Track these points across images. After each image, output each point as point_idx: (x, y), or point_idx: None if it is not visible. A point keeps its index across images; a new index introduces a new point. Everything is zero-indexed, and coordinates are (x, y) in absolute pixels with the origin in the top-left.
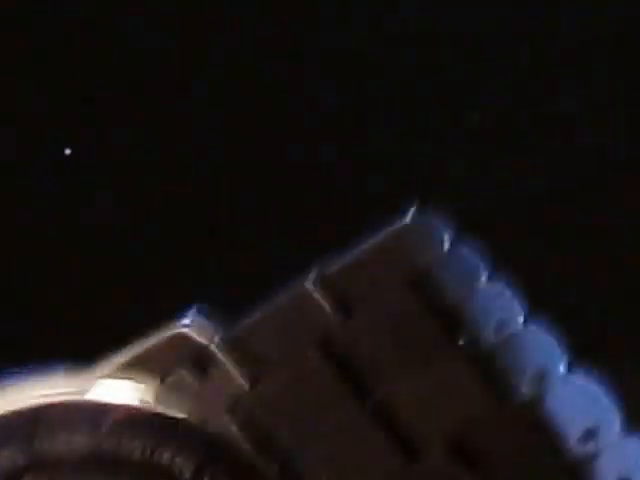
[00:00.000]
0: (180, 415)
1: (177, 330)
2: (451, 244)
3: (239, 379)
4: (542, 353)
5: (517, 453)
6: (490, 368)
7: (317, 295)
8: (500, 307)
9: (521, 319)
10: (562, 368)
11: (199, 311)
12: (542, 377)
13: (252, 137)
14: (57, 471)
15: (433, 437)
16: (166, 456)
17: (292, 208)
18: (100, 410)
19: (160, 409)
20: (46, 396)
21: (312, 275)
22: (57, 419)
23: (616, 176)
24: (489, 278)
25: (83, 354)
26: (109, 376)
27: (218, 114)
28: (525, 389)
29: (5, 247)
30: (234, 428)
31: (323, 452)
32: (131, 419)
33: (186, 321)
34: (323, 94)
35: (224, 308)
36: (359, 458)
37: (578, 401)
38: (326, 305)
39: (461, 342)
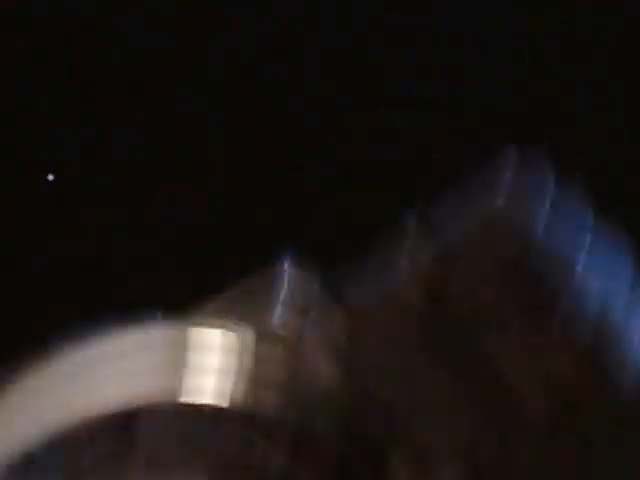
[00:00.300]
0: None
1: (277, 274)
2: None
3: (338, 327)
4: None
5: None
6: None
7: (417, 249)
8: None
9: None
10: None
11: (295, 259)
12: None
13: None
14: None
15: (534, 391)
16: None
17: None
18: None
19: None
20: (136, 398)
21: (415, 222)
22: (146, 429)
23: None
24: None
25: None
26: (204, 323)
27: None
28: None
29: None
30: (337, 379)
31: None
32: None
33: (285, 265)
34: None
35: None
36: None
37: None
38: (428, 259)
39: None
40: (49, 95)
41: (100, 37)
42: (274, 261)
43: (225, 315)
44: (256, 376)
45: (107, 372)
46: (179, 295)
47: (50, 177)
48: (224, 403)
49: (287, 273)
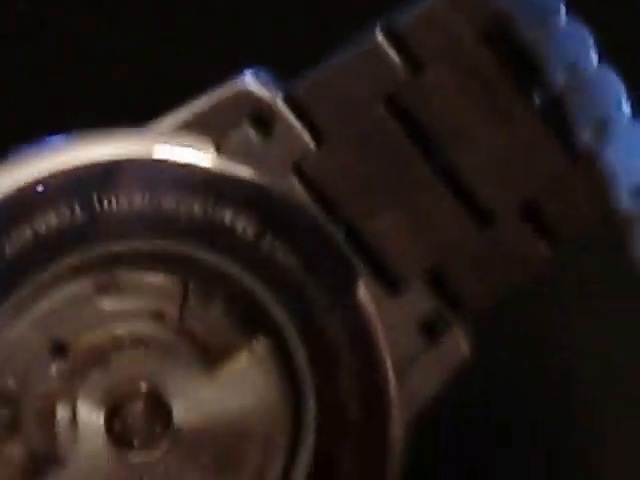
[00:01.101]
0: (243, 174)
1: (238, 86)
2: None
3: (305, 138)
4: (609, 100)
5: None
6: (561, 120)
7: (386, 48)
8: (574, 49)
9: (594, 61)
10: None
11: (258, 70)
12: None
13: None
14: (117, 232)
15: (507, 202)
16: (228, 216)
17: None
18: (159, 169)
19: (222, 169)
20: (104, 155)
21: (380, 26)
22: (117, 179)
23: None
24: (564, 18)
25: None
26: (166, 137)
27: None
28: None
29: None
30: (300, 189)
31: (391, 216)
32: (191, 178)
33: (247, 78)
34: None
35: (282, 69)
36: (431, 222)
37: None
38: (396, 58)
39: (536, 99)
40: None
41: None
42: (238, 72)
43: (188, 130)
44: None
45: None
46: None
47: None
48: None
49: (251, 84)
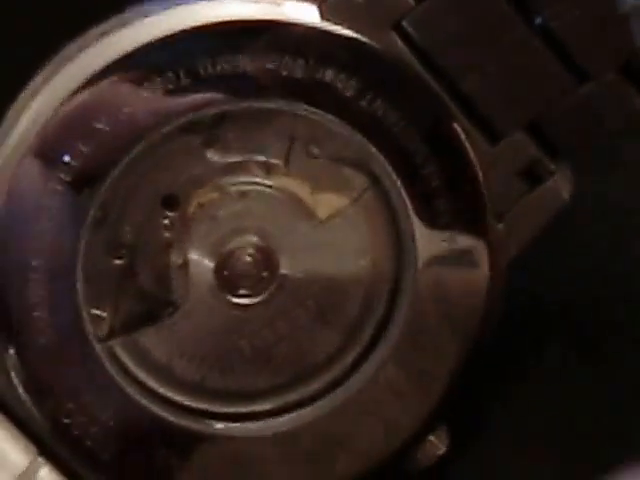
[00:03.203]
0: (344, 31)
1: None
2: None
3: None
4: None
5: None
6: None
7: None
8: None
9: None
10: None
11: None
12: None
13: None
14: (214, 92)
15: (607, 60)
16: (329, 75)
17: None
18: (261, 30)
19: (323, 28)
20: (209, 18)
21: None
22: (219, 39)
23: None
24: None
25: None
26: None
27: None
28: None
29: None
30: (401, 45)
31: (490, 70)
32: (292, 36)
33: None
34: None
35: None
36: (529, 78)
37: None
38: None
39: None
40: None
41: None
42: None
43: None
44: None
45: None
46: None
47: None
48: None
49: None
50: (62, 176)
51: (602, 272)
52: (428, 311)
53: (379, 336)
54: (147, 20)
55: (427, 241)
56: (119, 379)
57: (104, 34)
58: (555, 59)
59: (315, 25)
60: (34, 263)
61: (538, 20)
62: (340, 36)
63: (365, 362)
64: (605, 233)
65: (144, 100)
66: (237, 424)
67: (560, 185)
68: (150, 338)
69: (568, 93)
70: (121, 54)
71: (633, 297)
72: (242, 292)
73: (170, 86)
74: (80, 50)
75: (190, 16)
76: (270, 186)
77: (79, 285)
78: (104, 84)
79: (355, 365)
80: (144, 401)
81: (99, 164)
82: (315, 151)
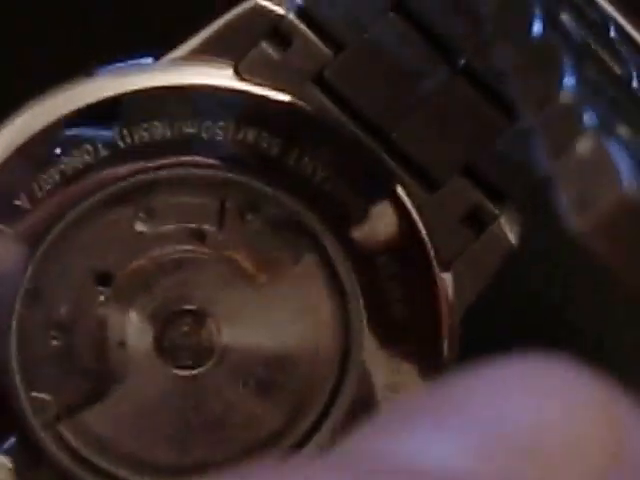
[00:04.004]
0: (262, 89)
1: (252, 3)
2: None
3: (322, 48)
4: None
5: None
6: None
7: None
8: None
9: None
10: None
11: None
12: None
13: None
14: (141, 159)
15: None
16: (252, 135)
17: None
18: (177, 96)
19: (241, 89)
20: (121, 89)
21: None
22: (135, 108)
23: None
24: None
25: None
26: (185, 59)
27: None
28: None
29: None
30: (324, 99)
31: (418, 118)
32: (210, 99)
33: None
34: None
35: None
36: (459, 120)
37: None
38: None
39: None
40: None
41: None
42: None
43: (206, 53)
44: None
45: None
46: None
47: None
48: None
49: (264, 1)
50: None
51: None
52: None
53: (331, 404)
54: (66, 93)
55: None
56: (61, 457)
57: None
58: (483, 100)
59: (232, 86)
60: None
61: (461, 61)
62: (258, 95)
63: (317, 432)
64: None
65: (64, 176)
66: None
67: (506, 229)
68: (93, 414)
69: (500, 133)
70: (36, 129)
71: None
72: (184, 363)
73: (89, 159)
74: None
75: (104, 87)
76: (205, 253)
77: (15, 367)
78: (19, 160)
79: (307, 435)
80: (89, 479)
81: (24, 243)
82: (249, 215)
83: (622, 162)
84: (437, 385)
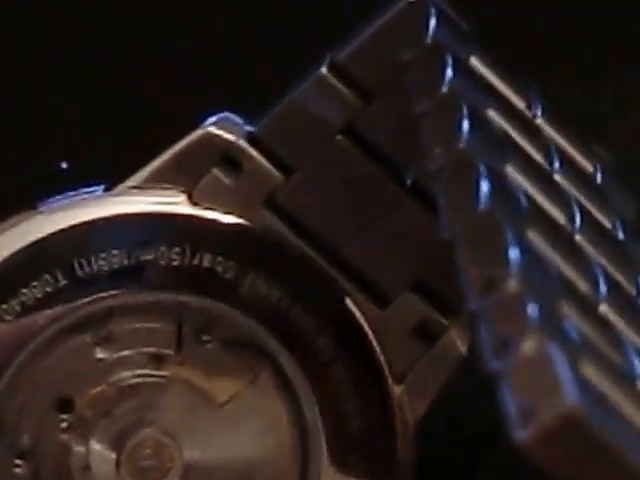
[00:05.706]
0: (215, 214)
1: (204, 132)
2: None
3: (273, 173)
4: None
5: None
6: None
7: (334, 81)
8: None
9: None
10: None
11: (221, 115)
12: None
13: None
14: (99, 286)
15: None
16: (207, 260)
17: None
18: (131, 225)
19: (194, 215)
20: (76, 220)
21: (326, 63)
22: (91, 238)
23: None
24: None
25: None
26: (136, 192)
27: None
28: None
29: None
30: (276, 222)
31: (368, 236)
32: (164, 226)
33: (211, 123)
34: None
35: (245, 114)
36: (407, 237)
37: None
38: (345, 91)
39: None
40: None
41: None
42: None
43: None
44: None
45: None
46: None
47: None
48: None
49: (216, 129)
50: None
51: None
52: None
53: None
54: (21, 227)
55: None
56: None
57: None
58: (432, 217)
59: (186, 212)
60: None
61: (408, 178)
62: (212, 220)
63: None
64: None
65: (24, 306)
66: None
67: (455, 339)
68: None
69: (447, 248)
70: None
71: None
72: None
73: (49, 289)
74: None
75: (58, 219)
76: (164, 376)
77: None
78: None
79: None
80: None
81: None
82: (205, 337)
83: (564, 371)
84: None
